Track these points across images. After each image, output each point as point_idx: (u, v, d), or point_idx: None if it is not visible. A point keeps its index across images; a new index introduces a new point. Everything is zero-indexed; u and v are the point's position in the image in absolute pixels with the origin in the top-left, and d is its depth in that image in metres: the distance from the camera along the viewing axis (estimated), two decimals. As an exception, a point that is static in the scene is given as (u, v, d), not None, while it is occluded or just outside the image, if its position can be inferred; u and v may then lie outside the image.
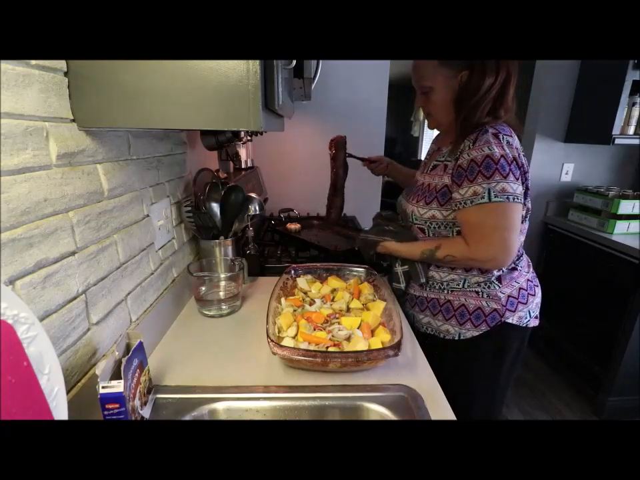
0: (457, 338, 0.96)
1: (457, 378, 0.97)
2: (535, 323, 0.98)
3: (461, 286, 0.94)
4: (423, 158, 1.26)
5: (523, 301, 0.95)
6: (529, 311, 0.95)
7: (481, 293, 0.93)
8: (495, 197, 0.80)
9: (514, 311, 0.93)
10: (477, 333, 0.94)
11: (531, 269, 1.01)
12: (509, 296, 0.93)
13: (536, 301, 0.98)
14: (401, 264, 1.00)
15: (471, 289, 0.94)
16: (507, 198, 0.81)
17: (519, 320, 0.94)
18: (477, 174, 0.81)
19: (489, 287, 0.93)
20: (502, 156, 0.81)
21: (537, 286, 1.00)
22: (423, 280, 0.97)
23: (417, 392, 0.67)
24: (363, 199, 1.96)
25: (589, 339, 1.96)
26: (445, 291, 0.96)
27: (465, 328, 0.94)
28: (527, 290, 0.96)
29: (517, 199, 0.82)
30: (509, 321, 0.93)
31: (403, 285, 1.01)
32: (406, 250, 0.97)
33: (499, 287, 0.93)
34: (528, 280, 0.98)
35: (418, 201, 0.95)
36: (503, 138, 0.83)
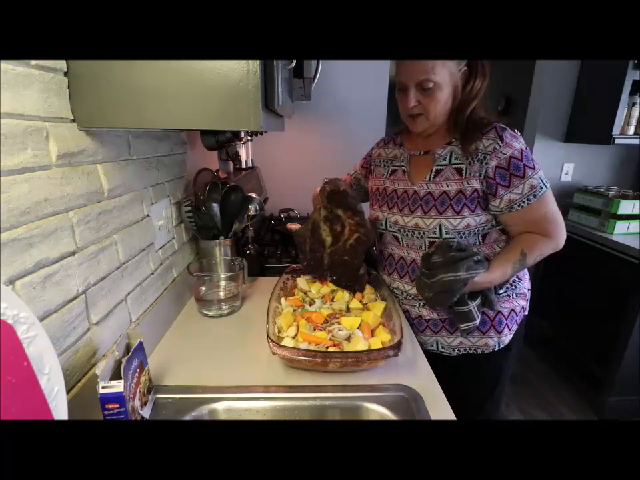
0: (497, 348, 0.92)
1: (485, 386, 0.98)
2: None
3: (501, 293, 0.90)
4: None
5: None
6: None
7: (512, 295, 0.92)
8: (547, 182, 0.84)
9: (527, 301, 0.96)
10: (512, 335, 0.93)
11: None
12: (528, 289, 0.96)
13: None
14: (470, 297, 0.84)
15: (502, 294, 0.90)
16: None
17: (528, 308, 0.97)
18: (524, 168, 0.81)
19: (515, 287, 0.92)
20: (526, 146, 0.84)
21: None
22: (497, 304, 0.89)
23: (417, 392, 0.67)
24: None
25: (589, 339, 1.96)
26: None
27: (504, 334, 0.92)
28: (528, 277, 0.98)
29: None
30: (526, 312, 0.96)
31: (478, 321, 0.86)
32: (499, 275, 0.83)
33: (521, 283, 0.94)
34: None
35: (441, 212, 0.86)
36: (515, 131, 0.86)
